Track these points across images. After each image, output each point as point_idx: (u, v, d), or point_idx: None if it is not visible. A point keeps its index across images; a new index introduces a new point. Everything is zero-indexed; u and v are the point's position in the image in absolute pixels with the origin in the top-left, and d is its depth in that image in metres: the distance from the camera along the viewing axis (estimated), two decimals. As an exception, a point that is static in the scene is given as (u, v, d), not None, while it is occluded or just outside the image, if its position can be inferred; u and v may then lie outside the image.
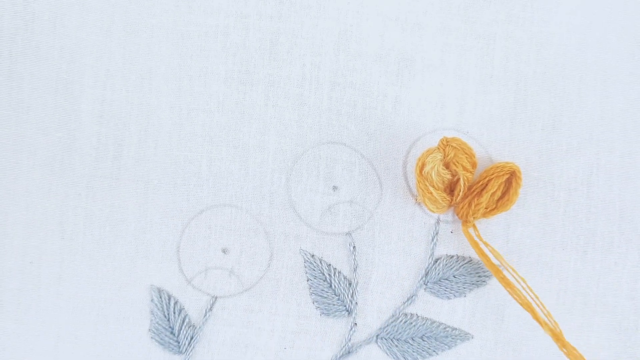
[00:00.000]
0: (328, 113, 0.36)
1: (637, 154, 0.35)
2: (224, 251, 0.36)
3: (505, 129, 0.36)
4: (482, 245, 0.34)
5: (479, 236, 0.34)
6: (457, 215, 0.35)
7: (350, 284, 0.35)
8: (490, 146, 0.35)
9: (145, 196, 0.36)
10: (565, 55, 0.36)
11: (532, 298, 0.33)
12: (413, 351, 0.36)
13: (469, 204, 0.34)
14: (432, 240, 0.36)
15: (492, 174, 0.34)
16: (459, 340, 0.36)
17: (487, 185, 0.34)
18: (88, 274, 0.35)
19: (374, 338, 0.35)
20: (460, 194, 0.34)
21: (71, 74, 0.35)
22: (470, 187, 0.34)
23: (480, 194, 0.34)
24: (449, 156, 0.33)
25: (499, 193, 0.34)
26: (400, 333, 0.35)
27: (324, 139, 0.36)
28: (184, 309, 0.35)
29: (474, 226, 0.35)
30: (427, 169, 0.33)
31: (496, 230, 0.35)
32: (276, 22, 0.36)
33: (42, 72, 0.35)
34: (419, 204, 0.36)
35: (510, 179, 0.34)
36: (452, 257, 0.36)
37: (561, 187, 0.35)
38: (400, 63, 0.36)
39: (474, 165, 0.34)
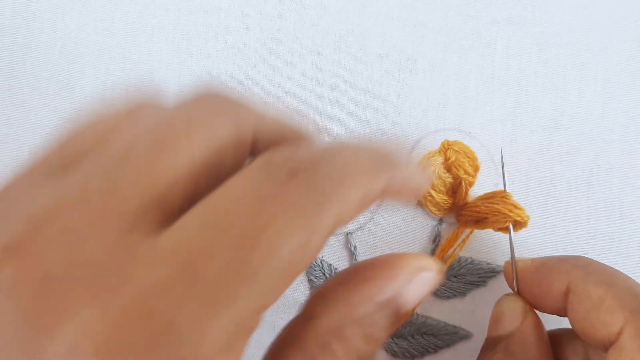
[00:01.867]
0: (329, 113, 0.36)
1: (637, 155, 0.35)
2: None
3: (506, 129, 0.35)
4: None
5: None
6: (457, 221, 0.35)
7: (350, 284, 0.35)
8: (491, 146, 0.35)
9: (146, 195, 0.35)
10: (567, 56, 0.36)
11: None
12: (412, 348, 0.36)
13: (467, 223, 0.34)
14: (434, 241, 0.35)
15: (495, 221, 0.32)
16: (458, 339, 0.36)
17: (485, 219, 0.32)
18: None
19: (374, 336, 0.35)
20: (463, 197, 0.34)
21: (72, 73, 0.35)
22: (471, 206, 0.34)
23: (479, 222, 0.33)
24: (450, 159, 0.33)
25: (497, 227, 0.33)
26: (400, 330, 0.35)
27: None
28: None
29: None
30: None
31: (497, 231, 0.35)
32: (277, 21, 0.36)
33: (43, 72, 0.35)
34: (421, 205, 0.35)
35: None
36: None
37: (562, 188, 0.35)
38: (402, 63, 0.36)
39: (476, 168, 0.34)
